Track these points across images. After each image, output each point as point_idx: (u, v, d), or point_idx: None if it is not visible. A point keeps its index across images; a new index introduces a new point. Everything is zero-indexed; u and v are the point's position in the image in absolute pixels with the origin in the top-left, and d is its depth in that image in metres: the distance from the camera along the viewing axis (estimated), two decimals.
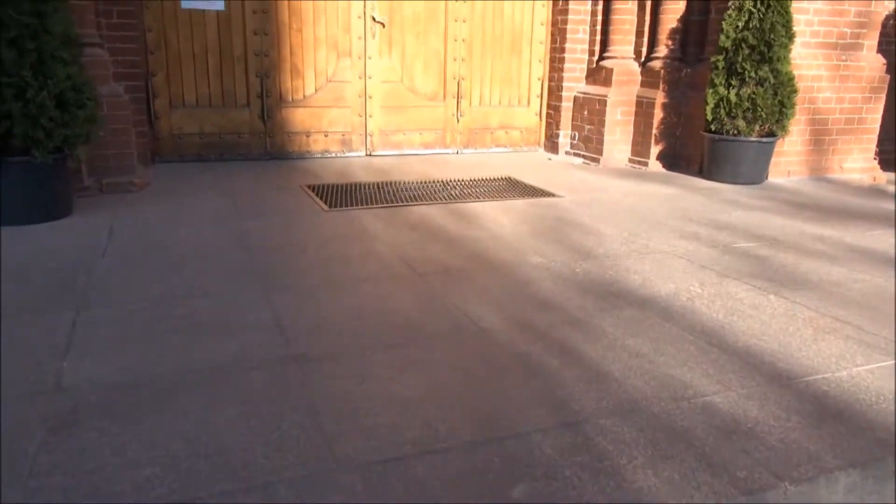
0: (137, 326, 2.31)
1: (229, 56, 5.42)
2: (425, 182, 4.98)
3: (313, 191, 4.56)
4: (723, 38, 5.10)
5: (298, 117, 5.75)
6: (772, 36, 4.93)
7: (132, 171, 4.57)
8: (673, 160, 5.83)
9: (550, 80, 6.49)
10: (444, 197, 4.49)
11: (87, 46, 4.35)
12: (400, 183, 4.91)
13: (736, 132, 5.15)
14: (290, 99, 5.69)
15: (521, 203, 4.40)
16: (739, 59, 5.03)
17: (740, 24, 5.01)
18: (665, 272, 3.05)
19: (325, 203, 4.21)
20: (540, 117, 6.60)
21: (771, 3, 4.91)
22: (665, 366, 2.10)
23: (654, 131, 5.77)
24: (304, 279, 2.85)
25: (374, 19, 5.74)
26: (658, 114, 5.73)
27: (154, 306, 2.49)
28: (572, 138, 6.41)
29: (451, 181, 5.05)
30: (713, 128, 5.25)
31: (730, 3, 5.11)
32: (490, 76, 6.33)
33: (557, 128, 6.46)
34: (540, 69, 6.48)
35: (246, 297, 2.61)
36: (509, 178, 5.27)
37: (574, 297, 2.71)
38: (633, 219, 4.04)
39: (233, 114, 5.55)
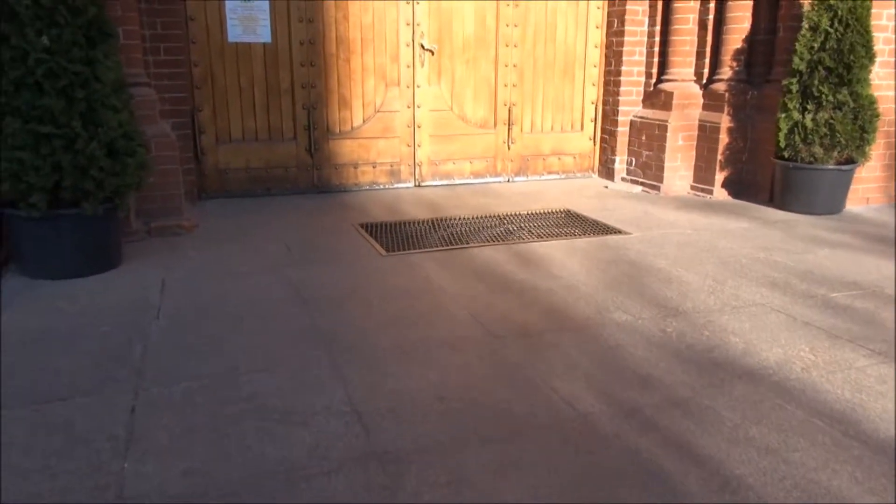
0: (200, 413, 2.10)
1: (276, 89, 5.27)
2: (481, 217, 4.75)
3: (367, 230, 4.36)
4: (796, 59, 4.78)
5: (346, 149, 5.57)
6: (851, 57, 4.60)
7: (180, 212, 4.42)
8: (739, 187, 5.51)
9: (605, 104, 6.22)
10: (503, 235, 4.25)
11: (136, 86, 4.22)
12: (455, 219, 4.68)
13: (812, 159, 4.82)
14: (338, 131, 5.52)
15: (586, 242, 4.13)
16: (815, 81, 4.70)
17: (815, 45, 4.69)
18: (767, 332, 2.76)
19: (382, 246, 4.00)
20: (594, 142, 6.33)
21: (850, 22, 4.59)
22: (803, 467, 1.82)
23: (719, 157, 5.46)
24: (373, 343, 2.63)
25: (423, 47, 5.55)
26: (723, 139, 5.42)
27: (216, 384, 2.29)
28: (629, 164, 6.13)
29: (507, 216, 4.81)
30: (786, 154, 4.93)
31: (803, 23, 4.80)
32: (542, 101, 6.09)
33: (613, 153, 6.18)
34: (594, 93, 6.22)
35: (314, 370, 2.40)
36: (568, 210, 5.01)
37: (673, 367, 2.44)
38: (713, 261, 3.75)
39: (280, 147, 5.39)
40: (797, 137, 4.82)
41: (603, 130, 6.28)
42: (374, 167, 5.68)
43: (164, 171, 4.30)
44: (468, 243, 4.07)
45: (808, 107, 4.77)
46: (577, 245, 4.07)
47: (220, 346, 2.59)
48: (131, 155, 3.43)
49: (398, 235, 4.26)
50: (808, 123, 4.74)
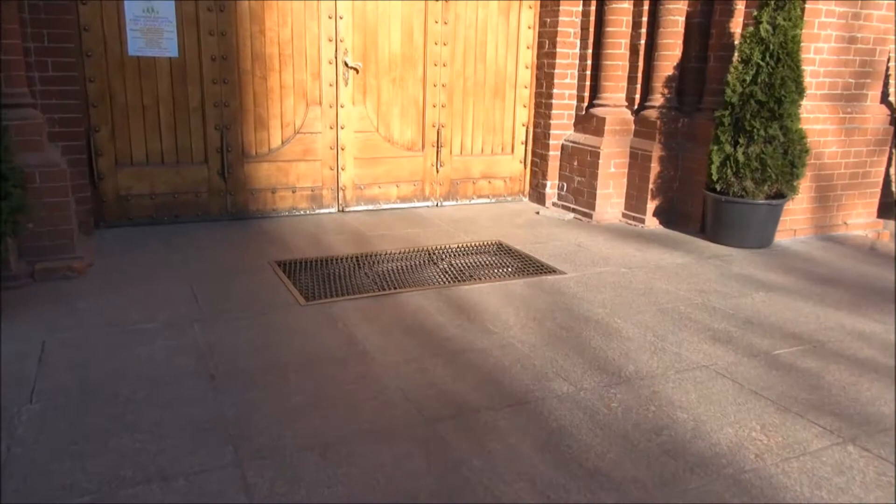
0: None
1: (184, 107, 4.81)
2: (409, 252, 4.46)
3: (284, 270, 3.99)
4: (728, 91, 4.71)
5: (263, 173, 5.16)
6: (782, 92, 4.56)
7: (71, 249, 3.92)
8: (670, 216, 5.44)
9: (536, 127, 6.04)
10: (433, 277, 3.98)
11: (17, 108, 3.73)
12: (381, 255, 4.37)
13: (743, 193, 4.77)
14: (254, 153, 5.10)
15: (521, 285, 3.91)
16: (747, 115, 4.65)
17: (747, 78, 4.64)
18: (714, 405, 2.59)
19: (301, 292, 3.65)
20: (525, 165, 6.15)
21: (781, 56, 4.55)
22: None
23: (651, 185, 5.37)
24: (287, 436, 2.30)
25: (346, 65, 5.20)
26: (654, 167, 5.33)
27: (94, 501, 1.91)
28: (560, 189, 5.97)
29: (437, 250, 4.54)
30: (718, 187, 4.86)
31: (735, 55, 4.74)
32: (472, 123, 5.85)
33: (544, 177, 6.01)
34: (525, 115, 6.03)
35: (215, 478, 2.05)
36: (500, 243, 4.79)
37: (622, 457, 2.22)
38: (652, 309, 3.59)
39: (189, 171, 4.93)
40: (729, 171, 4.76)
41: (534, 154, 6.10)
42: (293, 192, 5.29)
43: (51, 205, 3.81)
44: (395, 288, 3.78)
45: (741, 140, 4.71)
46: (510, 289, 3.84)
47: (105, 445, 2.20)
48: (4, 198, 2.97)
49: (319, 277, 3.92)
50: (740, 157, 4.69)
